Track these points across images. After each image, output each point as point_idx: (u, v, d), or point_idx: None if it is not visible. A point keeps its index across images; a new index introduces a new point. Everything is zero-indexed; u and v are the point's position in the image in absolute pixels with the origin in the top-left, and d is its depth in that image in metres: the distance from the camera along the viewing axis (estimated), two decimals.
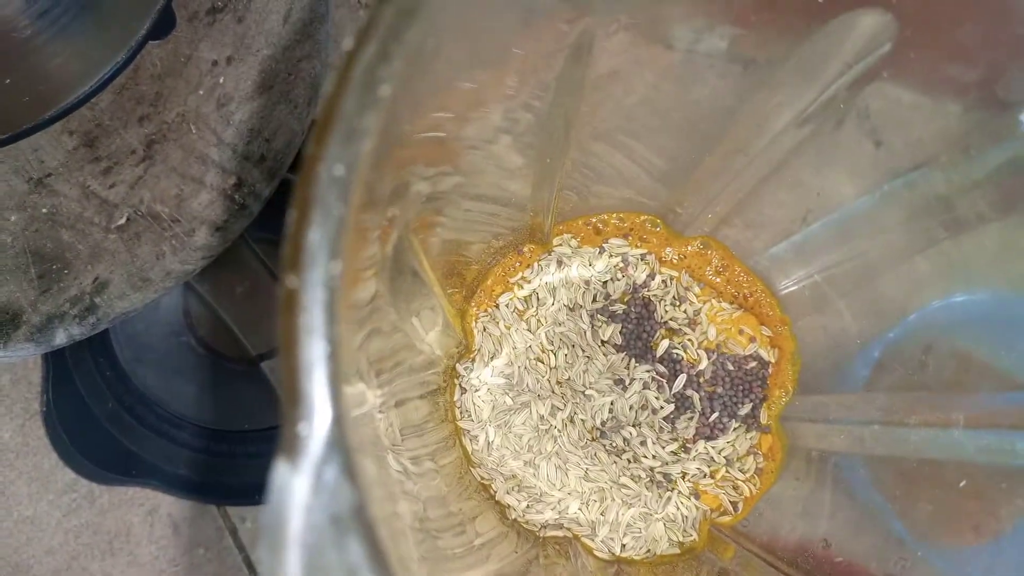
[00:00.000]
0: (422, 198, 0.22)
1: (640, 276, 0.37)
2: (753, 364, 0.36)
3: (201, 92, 0.41)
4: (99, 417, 0.44)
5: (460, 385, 0.36)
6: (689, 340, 0.36)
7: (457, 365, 0.36)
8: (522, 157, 0.28)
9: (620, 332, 0.36)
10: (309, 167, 0.13)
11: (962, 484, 0.27)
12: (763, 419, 0.36)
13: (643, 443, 0.35)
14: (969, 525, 0.30)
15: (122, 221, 0.40)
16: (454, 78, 0.19)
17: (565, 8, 0.21)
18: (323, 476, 0.13)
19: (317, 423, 0.13)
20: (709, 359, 0.36)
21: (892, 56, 0.25)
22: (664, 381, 0.36)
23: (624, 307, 0.37)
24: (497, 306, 0.37)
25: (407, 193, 0.20)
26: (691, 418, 0.36)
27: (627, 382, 0.36)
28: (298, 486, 0.13)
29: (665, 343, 0.36)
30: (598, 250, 0.37)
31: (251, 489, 0.44)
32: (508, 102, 0.24)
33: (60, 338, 0.39)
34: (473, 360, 0.36)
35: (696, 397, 0.36)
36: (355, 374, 0.18)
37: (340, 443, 0.13)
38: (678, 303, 0.37)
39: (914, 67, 0.26)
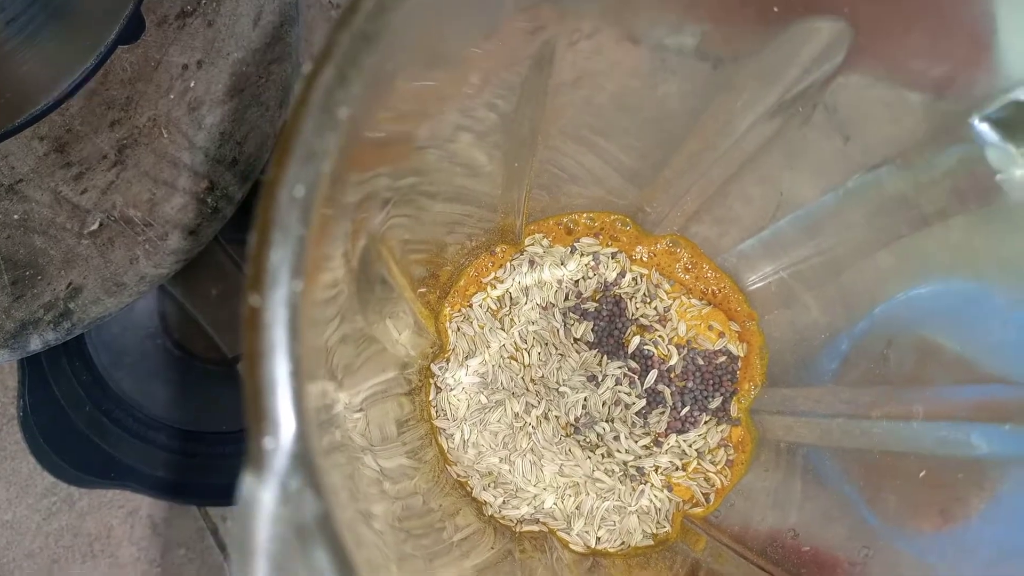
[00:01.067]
0: (387, 206, 0.23)
1: (611, 274, 0.38)
2: (723, 359, 0.37)
3: (172, 96, 0.41)
4: (76, 421, 0.44)
5: (435, 384, 0.36)
6: (660, 336, 0.37)
7: (432, 365, 0.36)
8: (489, 160, 0.29)
9: (592, 330, 0.37)
10: (269, 190, 0.14)
11: (921, 475, 0.28)
12: (733, 412, 0.36)
13: (616, 438, 0.36)
14: (935, 512, 0.31)
15: (95, 226, 0.40)
16: (414, 90, 0.19)
17: (524, 21, 0.22)
18: (288, 487, 0.14)
19: (282, 437, 0.14)
20: (679, 354, 0.37)
21: (848, 61, 0.26)
22: (636, 377, 0.37)
23: (596, 305, 0.37)
24: (471, 306, 0.37)
25: (372, 204, 0.21)
26: (663, 412, 0.36)
27: (600, 378, 0.36)
28: (264, 498, 0.13)
29: (636, 339, 0.37)
30: (569, 249, 0.38)
31: (230, 489, 0.44)
32: (471, 109, 0.24)
33: (35, 344, 0.39)
34: (448, 360, 0.37)
35: (667, 392, 0.37)
36: (323, 377, 0.18)
37: (305, 455, 0.14)
38: (648, 300, 0.38)
39: (870, 71, 0.26)
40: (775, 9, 0.24)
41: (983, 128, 0.25)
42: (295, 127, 0.14)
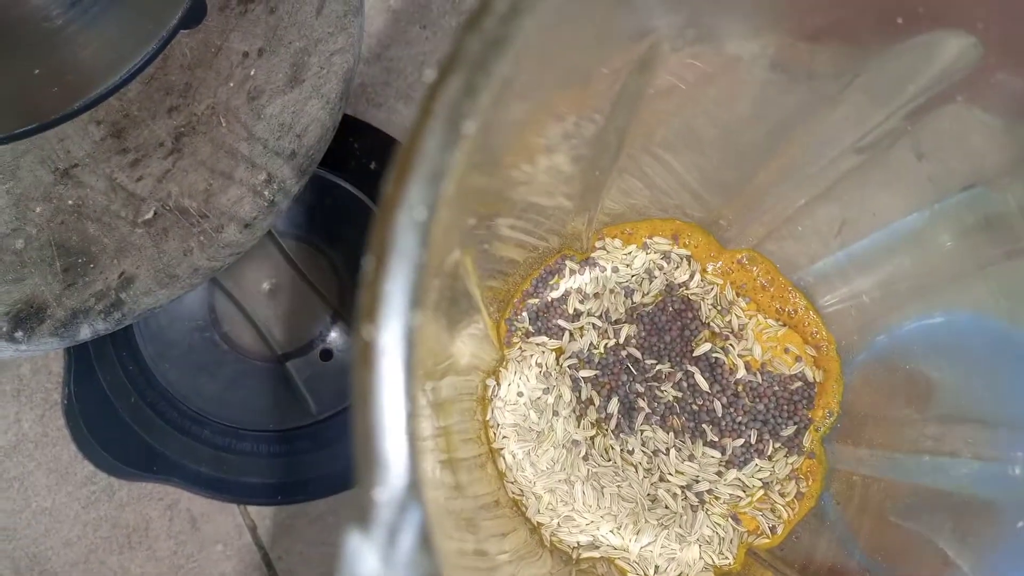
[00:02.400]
0: (474, 218, 0.21)
1: (680, 276, 0.36)
2: (798, 384, 0.35)
3: (231, 84, 0.40)
4: (120, 411, 0.44)
5: (492, 398, 0.35)
6: (731, 345, 0.35)
7: (488, 380, 0.35)
8: (574, 168, 0.27)
9: (636, 334, 0.35)
10: (387, 210, 0.12)
11: (1020, 525, 0.26)
12: (807, 443, 0.35)
13: (679, 462, 0.34)
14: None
15: (149, 215, 0.39)
16: (532, 105, 0.18)
17: (637, 26, 0.20)
18: (397, 544, 0.12)
19: (394, 487, 0.12)
20: (749, 373, 0.35)
21: (971, 80, 0.24)
22: (706, 401, 0.35)
23: (652, 306, 0.35)
24: (531, 318, 0.36)
25: (465, 219, 0.19)
26: (731, 435, 0.35)
27: (659, 390, 0.35)
28: (370, 554, 0.12)
29: (707, 345, 0.35)
30: (638, 247, 0.36)
31: (272, 489, 0.44)
32: (571, 119, 0.23)
33: (84, 333, 0.39)
34: (505, 373, 0.35)
35: (738, 417, 0.35)
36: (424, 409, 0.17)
37: (416, 508, 0.12)
38: (722, 313, 0.36)
39: (994, 92, 0.24)
40: (899, 20, 0.22)
41: None
42: (417, 143, 0.12)
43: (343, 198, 0.44)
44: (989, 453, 0.28)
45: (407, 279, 0.12)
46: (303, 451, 0.43)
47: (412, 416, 0.12)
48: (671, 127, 0.28)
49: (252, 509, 0.47)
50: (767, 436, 0.35)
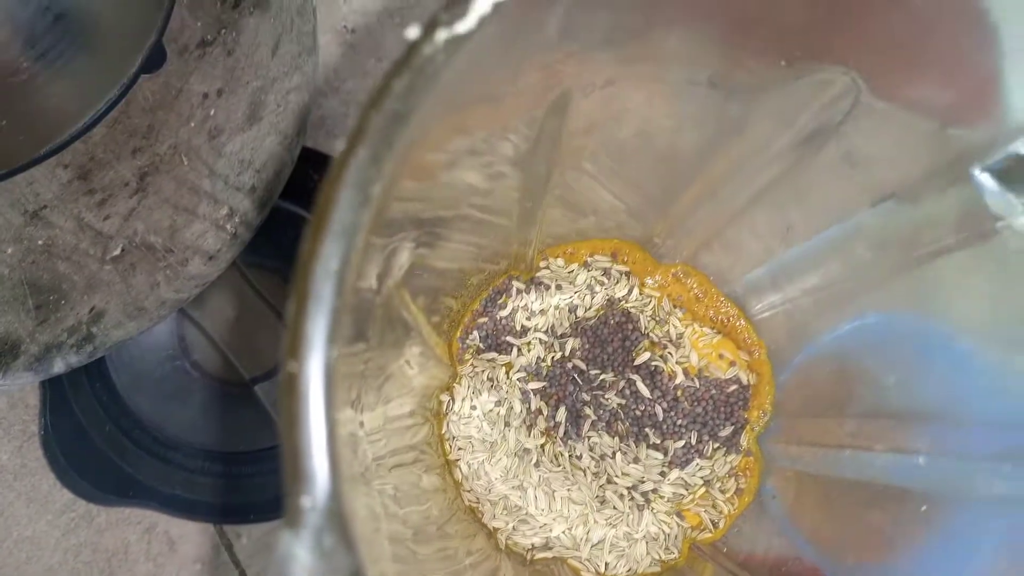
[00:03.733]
0: (405, 254, 0.23)
1: (620, 291, 0.38)
2: (734, 387, 0.37)
3: (192, 124, 0.42)
4: (96, 440, 0.45)
5: (447, 414, 0.37)
6: (669, 354, 0.38)
7: (442, 395, 0.37)
8: (509, 192, 0.29)
9: (581, 347, 0.37)
10: (305, 264, 0.15)
11: (923, 509, 0.29)
12: (743, 443, 0.37)
13: (625, 464, 0.37)
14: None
15: (117, 252, 0.41)
16: (437, 150, 0.20)
17: (542, 77, 0.22)
18: (323, 543, 0.14)
19: (318, 497, 0.14)
20: (688, 378, 0.38)
21: (858, 105, 0.26)
22: (643, 395, 0.37)
23: (595, 319, 0.38)
24: (478, 335, 0.38)
25: (393, 257, 0.21)
26: (673, 440, 0.37)
27: (603, 398, 0.37)
28: (300, 554, 0.14)
29: (647, 354, 0.37)
30: (579, 265, 0.38)
31: (247, 508, 0.46)
32: (497, 143, 0.25)
33: (58, 367, 0.40)
34: (459, 388, 0.37)
35: (678, 420, 0.37)
36: (351, 424, 0.19)
37: (338, 512, 0.15)
38: (660, 323, 0.38)
39: (879, 116, 0.27)
40: (783, 63, 0.25)
41: (983, 178, 0.26)
42: (330, 206, 0.14)
43: (304, 226, 0.46)
44: (899, 445, 0.31)
45: (323, 320, 0.14)
46: (274, 470, 0.45)
47: (331, 436, 0.14)
48: (600, 153, 0.31)
49: (228, 528, 0.48)
50: (706, 437, 0.37)
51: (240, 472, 0.45)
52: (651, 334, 0.38)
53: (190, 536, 0.49)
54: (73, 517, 0.50)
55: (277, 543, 0.15)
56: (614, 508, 0.36)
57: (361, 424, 0.28)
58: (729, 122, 0.30)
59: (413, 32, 0.15)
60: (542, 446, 0.37)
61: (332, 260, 0.15)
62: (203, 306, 0.46)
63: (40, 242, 0.41)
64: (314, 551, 0.14)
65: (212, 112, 0.42)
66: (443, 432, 0.37)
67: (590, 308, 0.38)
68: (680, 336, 0.38)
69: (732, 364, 0.38)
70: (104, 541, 0.50)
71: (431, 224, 0.28)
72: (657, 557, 0.36)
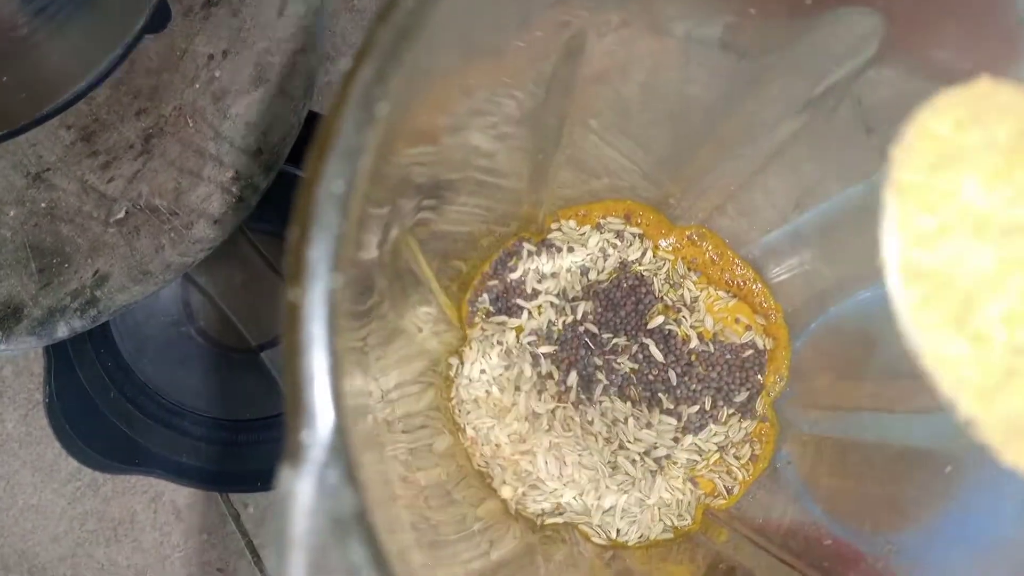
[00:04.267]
0: (417, 199, 0.23)
1: (633, 254, 0.37)
2: (749, 352, 0.37)
3: (197, 86, 0.41)
4: (101, 407, 0.45)
5: (456, 377, 0.37)
6: (683, 317, 0.37)
7: (451, 358, 0.36)
8: (517, 153, 0.29)
9: (593, 310, 0.37)
10: (308, 186, 0.14)
11: (947, 470, 0.28)
12: (759, 408, 0.36)
13: (637, 430, 0.36)
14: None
15: (121, 215, 0.40)
16: (449, 84, 0.19)
17: (557, 12, 0.21)
18: (326, 480, 0.14)
19: (320, 431, 0.14)
20: (702, 343, 0.37)
21: (880, 53, 0.25)
22: (661, 371, 0.36)
23: (607, 283, 0.37)
24: (489, 297, 0.37)
25: (404, 197, 0.21)
26: (686, 405, 0.36)
27: (616, 362, 0.36)
28: (301, 491, 0.14)
29: (660, 318, 0.37)
30: (592, 227, 0.38)
31: (253, 476, 0.45)
32: (503, 102, 0.24)
33: (61, 331, 0.40)
34: (468, 352, 0.37)
35: (692, 385, 0.36)
36: (359, 370, 0.18)
37: (342, 448, 0.14)
38: (675, 287, 0.37)
39: (903, 64, 0.26)
40: (807, 1, 0.24)
41: None
42: (334, 124, 0.14)
43: None
44: (920, 405, 0.30)
45: (327, 246, 0.14)
46: (280, 438, 0.44)
47: (334, 370, 0.14)
48: (611, 109, 0.30)
49: (234, 497, 0.48)
50: (721, 402, 0.36)
51: (246, 440, 0.45)
52: (665, 297, 0.37)
53: (196, 505, 0.49)
54: (79, 486, 0.50)
55: (277, 480, 0.14)
56: (626, 474, 0.36)
57: (370, 392, 0.28)
58: (742, 78, 0.30)
59: None
60: (553, 411, 0.36)
61: (337, 182, 0.14)
62: (209, 272, 0.45)
63: (43, 204, 0.40)
64: (316, 489, 0.14)
65: (217, 73, 0.42)
66: (452, 396, 0.36)
67: (603, 271, 0.37)
68: (695, 300, 0.37)
69: (748, 328, 0.37)
70: (110, 510, 0.50)
71: (436, 188, 0.27)
72: (670, 523, 0.36)
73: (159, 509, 0.50)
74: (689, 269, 0.38)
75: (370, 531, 0.14)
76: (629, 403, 0.36)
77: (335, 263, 0.14)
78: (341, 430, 0.14)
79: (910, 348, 0.17)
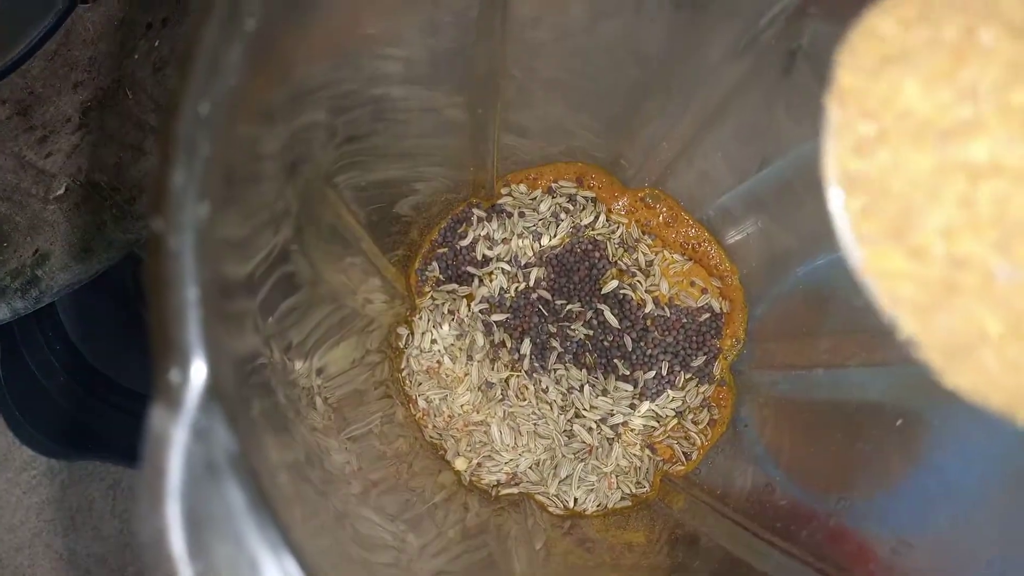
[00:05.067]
0: (336, 146, 0.22)
1: (586, 218, 0.36)
2: (706, 316, 0.36)
3: (136, 56, 0.40)
4: (52, 392, 0.44)
5: (406, 347, 0.36)
6: (638, 282, 0.36)
7: (400, 328, 0.36)
8: (449, 105, 0.28)
9: (546, 277, 0.36)
10: (172, 104, 0.13)
11: (898, 423, 0.27)
12: (716, 372, 0.36)
13: (593, 397, 0.35)
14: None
15: (60, 191, 0.39)
16: (356, 17, 0.18)
17: None
18: (200, 424, 0.13)
19: (193, 370, 0.13)
20: (658, 307, 0.36)
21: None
22: (616, 337, 0.36)
23: (560, 248, 0.36)
24: (439, 265, 0.36)
25: (311, 136, 0.20)
26: (643, 371, 0.36)
27: (570, 329, 0.35)
28: (175, 434, 0.13)
29: (614, 283, 0.36)
30: (543, 192, 0.37)
31: None
32: (420, 44, 0.23)
33: (3, 313, 0.39)
34: (418, 322, 0.36)
35: (648, 350, 0.36)
36: (255, 318, 0.17)
37: (219, 390, 0.13)
38: (628, 250, 0.37)
39: (840, 4, 0.25)
40: None
41: None
42: (197, 36, 0.13)
43: None
44: (873, 358, 0.29)
45: (193, 172, 0.13)
46: None
47: (204, 302, 0.13)
48: (548, 60, 0.29)
49: None
50: (677, 367, 0.36)
51: None
52: (619, 262, 0.36)
53: None
54: (34, 474, 0.48)
55: (150, 423, 0.13)
56: (582, 442, 0.35)
57: (319, 371, 0.27)
58: (682, 23, 0.29)
59: None
60: (506, 380, 0.35)
61: (203, 102, 0.13)
62: None
63: None
64: (191, 432, 0.13)
65: (157, 43, 0.40)
66: (403, 367, 0.35)
67: (555, 236, 0.36)
68: (650, 263, 0.36)
69: (704, 292, 0.36)
70: (67, 498, 0.48)
71: (355, 134, 0.25)
72: (628, 491, 0.35)
73: (118, 496, 0.49)
74: (643, 232, 0.37)
75: (251, 476, 0.13)
76: (584, 370, 0.35)
77: (203, 190, 0.13)
78: (218, 371, 0.13)
79: (853, 263, 0.16)
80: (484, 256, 0.36)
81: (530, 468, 0.35)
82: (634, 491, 0.35)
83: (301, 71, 0.17)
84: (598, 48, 0.29)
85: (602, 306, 0.36)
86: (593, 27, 0.27)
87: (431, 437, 0.35)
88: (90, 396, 0.44)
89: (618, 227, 0.37)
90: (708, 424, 0.36)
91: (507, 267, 0.36)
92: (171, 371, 0.13)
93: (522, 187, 0.37)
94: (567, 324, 0.36)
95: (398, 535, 0.26)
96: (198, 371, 0.13)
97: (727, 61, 0.28)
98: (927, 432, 0.28)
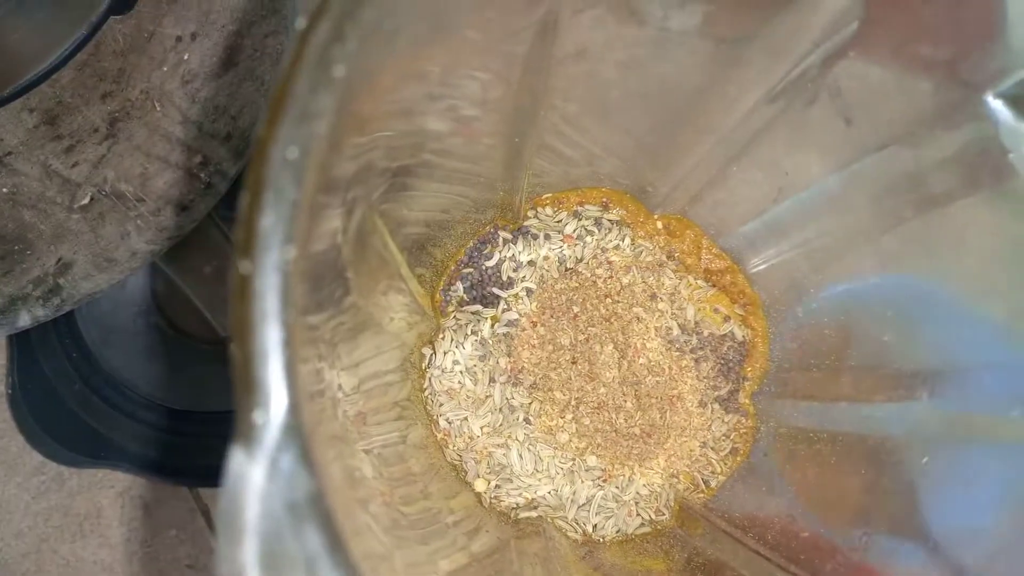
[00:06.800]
0: (386, 178, 0.22)
1: (611, 242, 0.37)
2: (729, 344, 0.36)
3: (165, 69, 0.40)
4: (66, 399, 0.44)
5: (428, 367, 0.36)
6: (662, 307, 0.36)
7: (424, 348, 0.36)
8: (490, 136, 0.28)
9: (574, 299, 0.36)
10: (261, 149, 0.13)
11: (924, 461, 0.27)
12: (740, 401, 0.36)
13: (615, 422, 0.35)
14: None
15: (85, 201, 0.39)
16: (415, 56, 0.18)
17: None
18: (279, 463, 0.13)
19: (273, 410, 0.13)
20: (684, 333, 0.36)
21: (859, 35, 0.25)
22: (632, 354, 0.36)
23: (584, 273, 0.36)
24: (466, 287, 0.37)
25: (369, 173, 0.20)
26: (666, 400, 0.36)
27: (596, 357, 0.36)
28: (254, 474, 0.13)
29: (639, 308, 0.36)
30: (568, 214, 0.37)
31: (222, 470, 0.44)
32: (473, 80, 0.24)
33: (24, 320, 0.39)
34: (441, 342, 0.36)
35: (672, 378, 0.36)
36: (317, 351, 0.17)
37: (296, 430, 0.13)
38: (653, 276, 0.37)
39: (881, 46, 0.25)
40: None
41: (996, 105, 0.24)
42: (288, 84, 0.13)
43: None
44: (899, 395, 0.29)
45: (280, 215, 0.13)
46: None
47: (289, 344, 0.13)
48: (588, 92, 0.29)
49: (204, 492, 0.47)
50: (701, 396, 0.36)
51: (215, 433, 0.43)
52: (643, 286, 0.37)
53: (165, 500, 0.48)
54: (44, 480, 0.48)
55: (228, 463, 0.13)
56: (602, 469, 0.35)
57: (339, 385, 0.27)
58: (720, 62, 0.29)
59: None
60: (529, 404, 0.36)
61: (291, 147, 0.13)
62: (177, 260, 0.44)
63: (4, 190, 0.39)
64: (269, 472, 0.13)
65: (186, 56, 0.41)
66: (425, 387, 0.36)
67: (581, 259, 0.37)
68: (674, 289, 0.37)
69: (727, 319, 0.37)
70: (76, 505, 0.48)
71: (405, 169, 0.26)
72: (647, 518, 0.35)
73: (126, 504, 0.49)
74: (667, 258, 0.37)
75: (327, 516, 0.13)
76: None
77: (289, 233, 0.13)
78: (296, 410, 0.13)
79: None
80: (509, 278, 0.36)
81: (549, 492, 0.35)
82: (654, 518, 0.35)
83: (369, 113, 0.17)
84: (635, 81, 0.29)
85: (627, 330, 0.36)
86: (633, 61, 0.28)
87: (452, 458, 0.35)
88: (104, 404, 0.44)
89: (642, 251, 0.37)
90: (729, 452, 0.36)
91: (532, 287, 0.36)
92: (255, 412, 0.13)
93: (548, 210, 0.37)
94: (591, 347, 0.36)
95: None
96: (279, 411, 0.13)
97: (763, 102, 0.29)
98: (952, 470, 0.28)
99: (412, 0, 0.15)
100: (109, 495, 0.48)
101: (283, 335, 0.13)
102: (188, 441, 0.44)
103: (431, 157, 0.26)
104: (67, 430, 0.44)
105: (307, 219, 0.13)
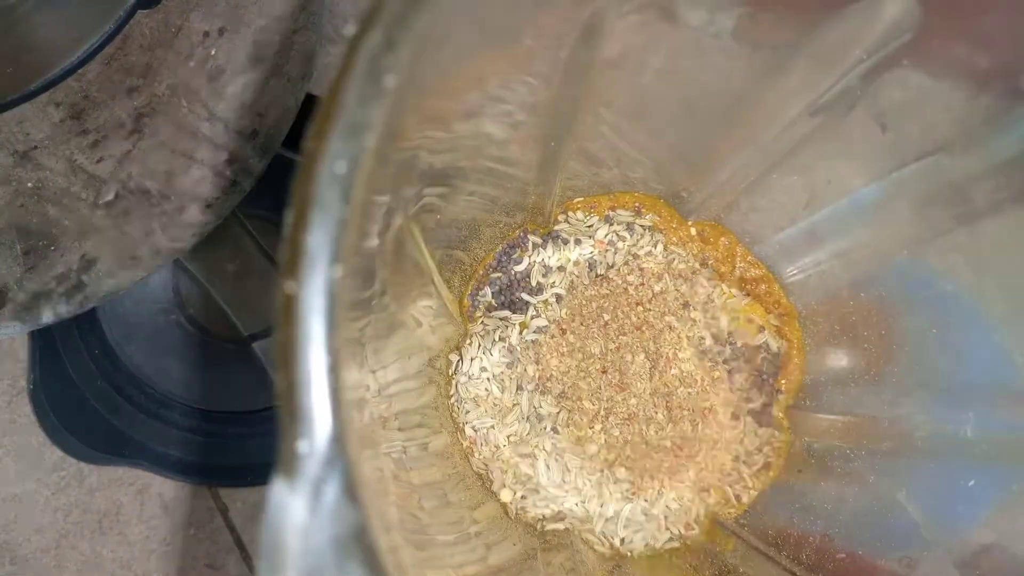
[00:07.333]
0: (423, 185, 0.21)
1: (644, 248, 0.36)
2: (763, 355, 0.35)
3: (192, 64, 0.40)
4: (87, 396, 0.44)
5: (455, 374, 0.35)
6: (696, 316, 0.35)
7: (451, 354, 0.35)
8: (529, 141, 0.27)
9: (603, 308, 0.35)
10: (308, 164, 0.12)
11: (971, 483, 0.27)
12: (774, 414, 0.35)
13: (646, 434, 0.35)
14: None
15: (110, 197, 0.39)
16: (461, 63, 0.18)
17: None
18: (322, 496, 0.12)
19: (318, 440, 0.12)
20: (717, 343, 0.35)
21: (914, 43, 0.24)
22: (663, 362, 0.35)
23: (614, 279, 0.35)
24: (494, 292, 0.36)
25: (408, 182, 0.19)
26: (699, 411, 0.35)
27: (625, 365, 0.35)
28: (296, 507, 0.12)
29: (671, 317, 0.35)
30: (600, 219, 0.36)
31: (242, 471, 0.44)
32: (516, 85, 0.23)
33: (47, 316, 0.38)
34: (468, 348, 0.35)
35: (705, 389, 0.35)
36: (354, 364, 0.17)
37: (340, 460, 0.12)
38: (686, 283, 0.36)
39: (936, 55, 0.24)
40: None
41: None
42: (338, 96, 0.12)
43: None
44: (942, 415, 0.29)
45: (327, 233, 0.12)
46: (271, 432, 0.43)
47: (334, 370, 0.12)
48: (627, 96, 0.28)
49: (223, 491, 0.47)
50: (735, 408, 0.35)
51: (236, 432, 0.43)
52: (676, 294, 0.36)
53: (184, 499, 0.48)
54: (64, 476, 0.48)
55: (270, 493, 0.12)
56: (630, 482, 0.34)
57: (367, 386, 0.26)
58: (761, 68, 0.28)
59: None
60: (557, 413, 0.35)
61: (339, 162, 0.12)
62: (200, 258, 0.44)
63: (30, 184, 0.39)
64: (311, 504, 0.12)
65: (213, 52, 0.40)
66: (451, 393, 0.35)
67: (612, 265, 0.36)
68: (708, 297, 0.36)
69: (761, 330, 0.36)
70: (95, 502, 0.48)
71: (442, 175, 0.25)
72: (677, 532, 0.34)
73: (146, 502, 0.48)
74: (701, 265, 0.36)
75: (371, 553, 0.12)
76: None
77: (337, 252, 0.12)
78: (341, 440, 0.12)
79: None
80: (538, 283, 0.36)
81: (576, 505, 0.34)
82: (683, 532, 0.34)
83: (416, 125, 0.16)
84: (673, 86, 0.28)
85: (659, 339, 0.35)
86: (674, 66, 0.27)
87: (477, 467, 0.35)
88: (125, 401, 0.44)
89: (675, 258, 0.36)
90: (762, 467, 0.35)
91: (562, 293, 0.36)
92: (299, 441, 0.12)
93: (579, 214, 0.36)
94: (621, 356, 0.35)
95: None
96: (323, 441, 0.12)
97: (806, 110, 0.28)
98: (996, 491, 0.27)
99: (465, 4, 0.14)
100: (129, 492, 0.48)
101: (330, 361, 0.12)
102: (209, 440, 0.44)
103: (472, 162, 0.25)
104: (88, 427, 0.44)
105: (354, 236, 0.13)
